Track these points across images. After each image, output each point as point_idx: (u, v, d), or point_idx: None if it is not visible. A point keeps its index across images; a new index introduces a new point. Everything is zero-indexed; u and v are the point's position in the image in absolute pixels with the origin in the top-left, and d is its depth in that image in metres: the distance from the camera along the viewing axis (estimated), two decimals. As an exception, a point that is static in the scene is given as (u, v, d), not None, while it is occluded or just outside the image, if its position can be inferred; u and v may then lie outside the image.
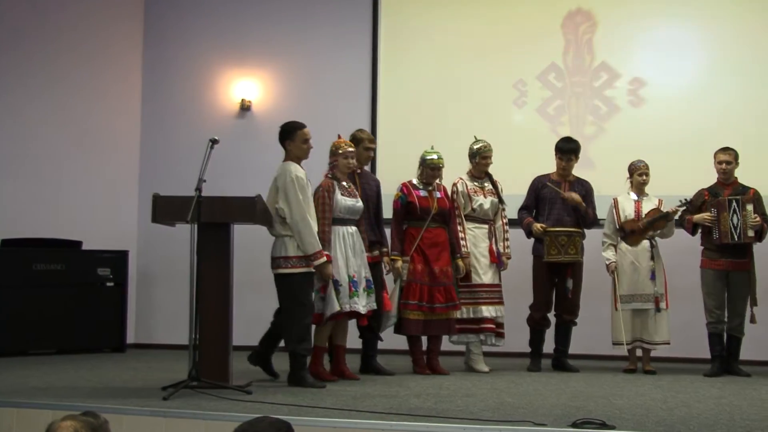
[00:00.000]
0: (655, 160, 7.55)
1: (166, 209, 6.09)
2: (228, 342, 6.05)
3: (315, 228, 6.01)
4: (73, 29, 9.16)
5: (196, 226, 5.90)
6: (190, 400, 5.40)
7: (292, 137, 6.16)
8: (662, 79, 8.65)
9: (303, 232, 5.97)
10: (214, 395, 5.49)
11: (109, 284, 8.80)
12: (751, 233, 7.08)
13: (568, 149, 7.52)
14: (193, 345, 5.83)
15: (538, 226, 7.38)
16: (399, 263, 6.93)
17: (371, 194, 7.05)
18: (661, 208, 7.39)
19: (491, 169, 7.44)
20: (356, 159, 6.83)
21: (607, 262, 7.44)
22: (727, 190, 7.29)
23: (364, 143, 7.05)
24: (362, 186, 6.95)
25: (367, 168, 7.41)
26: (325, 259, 6.01)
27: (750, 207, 7.09)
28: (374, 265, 6.91)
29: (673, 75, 8.64)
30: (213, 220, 5.94)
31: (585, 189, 7.59)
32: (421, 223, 7.03)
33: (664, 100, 8.63)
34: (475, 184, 7.36)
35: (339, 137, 6.69)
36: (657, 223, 7.35)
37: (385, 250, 7.06)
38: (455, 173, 7.45)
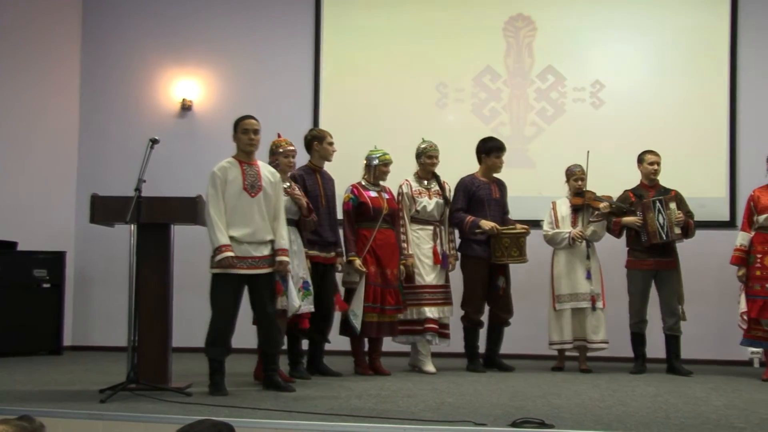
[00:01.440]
0: (598, 161, 7.61)
1: (104, 210, 6.03)
2: (167, 343, 6.02)
3: (220, 223, 5.74)
4: (10, 28, 8.97)
5: (135, 226, 5.84)
6: (129, 402, 5.34)
7: (235, 129, 6.04)
8: (606, 82, 8.77)
9: (208, 228, 5.81)
10: (153, 397, 5.44)
11: (45, 286, 8.63)
12: (677, 230, 7.24)
13: (501, 146, 7.59)
14: (131, 347, 5.77)
15: (490, 223, 7.38)
16: (358, 262, 6.92)
17: (330, 193, 7.05)
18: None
19: (439, 171, 7.48)
20: (321, 155, 6.95)
21: (567, 235, 7.49)
22: (651, 192, 7.44)
23: (326, 139, 7.04)
24: (323, 184, 6.95)
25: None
26: (228, 253, 5.72)
27: (673, 205, 7.25)
28: (331, 267, 6.93)
29: (615, 78, 8.77)
30: (153, 221, 5.89)
31: (506, 189, 7.69)
32: (372, 224, 7.04)
33: (606, 103, 8.75)
34: (421, 185, 7.39)
35: (279, 136, 6.65)
36: (599, 202, 7.46)
37: (339, 250, 7.06)
38: (399, 174, 7.48)
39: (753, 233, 7.11)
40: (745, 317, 7.03)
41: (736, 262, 7.14)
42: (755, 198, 7.17)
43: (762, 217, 7.05)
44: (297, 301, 6.22)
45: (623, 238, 7.58)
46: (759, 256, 7.03)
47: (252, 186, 5.92)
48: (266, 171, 6.07)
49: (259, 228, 5.91)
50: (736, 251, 7.15)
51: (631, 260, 7.48)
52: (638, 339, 7.45)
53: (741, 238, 7.17)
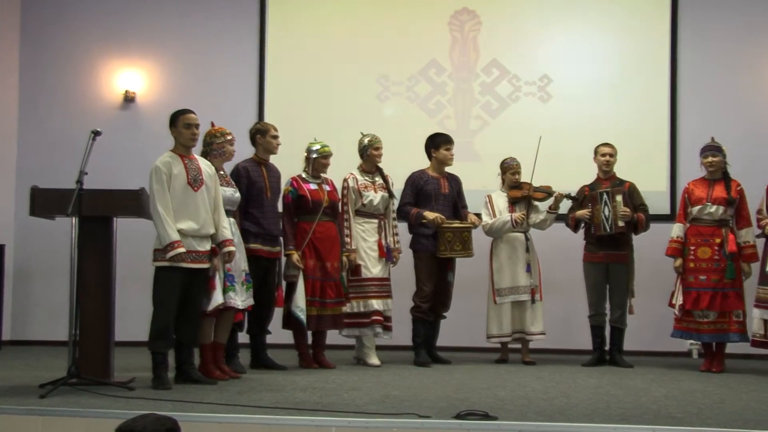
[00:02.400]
0: (543, 154, 7.62)
1: (45, 202, 5.95)
2: (110, 337, 5.96)
3: (168, 218, 5.70)
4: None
5: (76, 219, 5.76)
6: (70, 397, 5.27)
7: (175, 123, 5.97)
8: (554, 77, 8.87)
9: (155, 223, 5.76)
10: (94, 392, 5.38)
11: (-16, 279, 8.49)
12: (621, 224, 7.33)
13: (450, 138, 7.63)
14: (72, 341, 5.70)
15: (434, 214, 7.37)
16: (295, 257, 6.90)
17: (275, 186, 7.02)
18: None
19: (385, 164, 7.50)
20: (266, 148, 6.94)
21: (508, 218, 7.54)
22: (605, 184, 7.54)
23: (270, 132, 7.00)
24: (268, 177, 6.92)
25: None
26: (180, 250, 5.70)
27: (619, 198, 7.35)
28: (274, 261, 6.91)
29: (563, 73, 8.88)
30: (95, 214, 5.83)
31: (458, 184, 7.73)
32: (312, 217, 7.01)
33: (554, 97, 8.86)
34: (366, 179, 7.39)
35: (213, 125, 6.54)
36: (540, 193, 7.55)
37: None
38: (342, 167, 7.48)
39: (688, 225, 7.25)
40: (677, 310, 7.15)
41: (672, 253, 7.26)
42: (689, 191, 7.31)
43: (695, 209, 7.19)
44: (220, 298, 6.15)
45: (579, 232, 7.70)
46: (692, 248, 7.17)
47: (195, 180, 5.90)
48: (204, 165, 6.07)
49: (204, 222, 5.91)
50: (671, 243, 7.27)
51: (586, 254, 7.58)
52: (595, 331, 7.54)
53: (676, 229, 7.30)
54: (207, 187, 5.97)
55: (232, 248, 6.05)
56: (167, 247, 5.71)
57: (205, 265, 5.92)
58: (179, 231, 5.76)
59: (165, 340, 5.84)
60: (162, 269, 5.79)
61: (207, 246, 5.95)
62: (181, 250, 5.71)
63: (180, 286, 5.83)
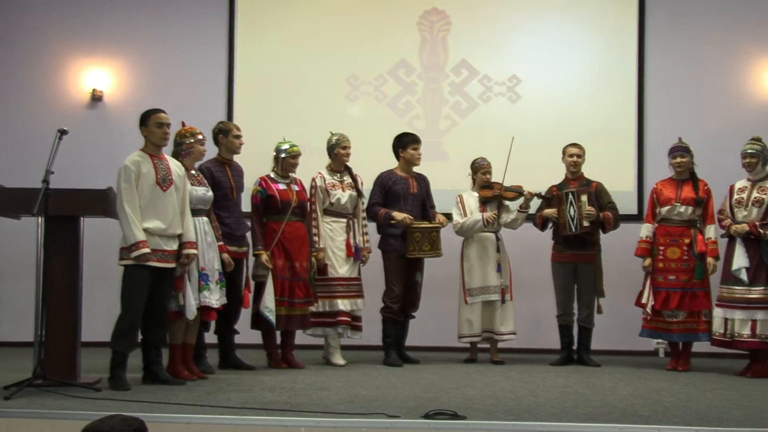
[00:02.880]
0: (512, 155, 7.63)
1: (10, 201, 5.92)
2: (76, 338, 5.93)
3: (135, 218, 5.67)
4: None
5: (42, 219, 5.71)
6: (35, 399, 5.22)
7: (146, 123, 5.94)
8: (522, 77, 8.91)
9: (121, 222, 5.73)
10: (60, 393, 5.34)
11: (-52, 279, 8.39)
12: (586, 224, 7.38)
13: (417, 138, 7.65)
14: (38, 341, 5.65)
15: (403, 214, 7.38)
16: (264, 257, 6.88)
17: (240, 186, 7.00)
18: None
19: (354, 164, 7.50)
20: (228, 148, 6.92)
21: (480, 217, 7.55)
22: (573, 185, 7.58)
23: (233, 132, 6.98)
24: (233, 177, 6.89)
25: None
26: (145, 250, 5.68)
27: (584, 198, 7.40)
28: (241, 261, 6.89)
29: (532, 73, 8.91)
30: (61, 213, 5.80)
31: (426, 183, 7.74)
32: (281, 217, 7.00)
33: (523, 97, 8.90)
34: (335, 178, 7.38)
35: (183, 124, 6.52)
36: (511, 192, 7.58)
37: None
38: (311, 167, 7.47)
39: (656, 225, 7.32)
40: (648, 309, 7.21)
41: (641, 253, 7.32)
42: (658, 191, 7.38)
43: (664, 210, 7.25)
44: (194, 304, 6.13)
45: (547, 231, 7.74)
46: (661, 248, 7.24)
47: (164, 180, 5.88)
48: (174, 165, 6.05)
49: (171, 222, 5.89)
50: (640, 243, 7.34)
51: (554, 254, 7.63)
52: (563, 331, 7.59)
53: (645, 229, 7.36)
54: (176, 188, 5.95)
55: (192, 251, 6.00)
56: (132, 247, 5.68)
57: (171, 265, 5.90)
58: (146, 230, 5.73)
59: (128, 340, 5.81)
60: (129, 268, 5.76)
61: (174, 246, 5.92)
62: (146, 250, 5.69)
63: (147, 285, 5.80)
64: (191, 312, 6.09)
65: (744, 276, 6.88)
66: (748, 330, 6.84)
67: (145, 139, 5.98)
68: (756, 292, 6.85)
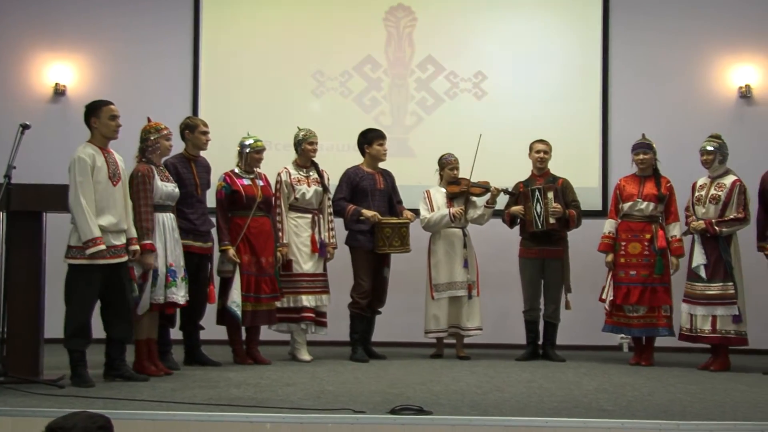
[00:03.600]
0: (479, 151, 7.68)
1: (-29, 197, 5.80)
2: (39, 335, 5.87)
3: (91, 213, 5.59)
4: None
5: (4, 214, 5.65)
6: (-3, 396, 5.16)
7: (97, 114, 5.82)
8: (488, 73, 8.93)
9: (77, 217, 5.62)
10: (23, 391, 5.29)
11: None
12: (552, 220, 7.43)
13: (382, 134, 7.66)
14: (0, 338, 5.58)
15: (372, 212, 7.39)
16: (231, 252, 6.86)
17: (205, 182, 6.95)
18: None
19: (321, 160, 7.48)
20: (195, 144, 6.85)
21: (446, 212, 7.54)
22: (539, 181, 7.63)
23: (199, 128, 6.91)
24: (198, 173, 6.84)
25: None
26: (101, 247, 5.60)
27: (551, 195, 7.44)
28: (205, 257, 6.84)
29: (497, 69, 8.94)
30: (23, 209, 5.74)
31: (392, 179, 7.76)
32: (246, 212, 6.97)
33: (488, 93, 8.92)
34: (300, 173, 7.36)
35: (149, 120, 6.47)
36: (478, 188, 7.61)
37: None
38: (277, 162, 7.45)
39: (619, 221, 7.38)
40: (606, 305, 7.29)
41: (604, 249, 7.39)
42: (621, 187, 7.45)
43: (626, 205, 7.33)
44: (147, 299, 6.10)
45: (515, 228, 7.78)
46: (623, 243, 7.32)
47: (114, 174, 5.80)
48: (119, 159, 5.95)
49: (121, 217, 5.82)
50: (603, 238, 7.41)
51: (521, 249, 7.67)
52: (529, 326, 7.63)
53: (608, 225, 7.44)
54: (123, 183, 5.88)
55: (137, 247, 5.94)
56: (88, 243, 5.58)
57: (123, 259, 5.81)
58: (100, 227, 5.63)
59: (83, 338, 5.74)
60: (78, 266, 5.66)
61: (123, 239, 5.83)
62: (102, 247, 5.60)
63: (98, 282, 5.72)
64: (143, 307, 6.07)
65: (703, 273, 6.98)
66: (708, 325, 6.95)
67: (94, 132, 5.85)
68: (714, 288, 6.96)
